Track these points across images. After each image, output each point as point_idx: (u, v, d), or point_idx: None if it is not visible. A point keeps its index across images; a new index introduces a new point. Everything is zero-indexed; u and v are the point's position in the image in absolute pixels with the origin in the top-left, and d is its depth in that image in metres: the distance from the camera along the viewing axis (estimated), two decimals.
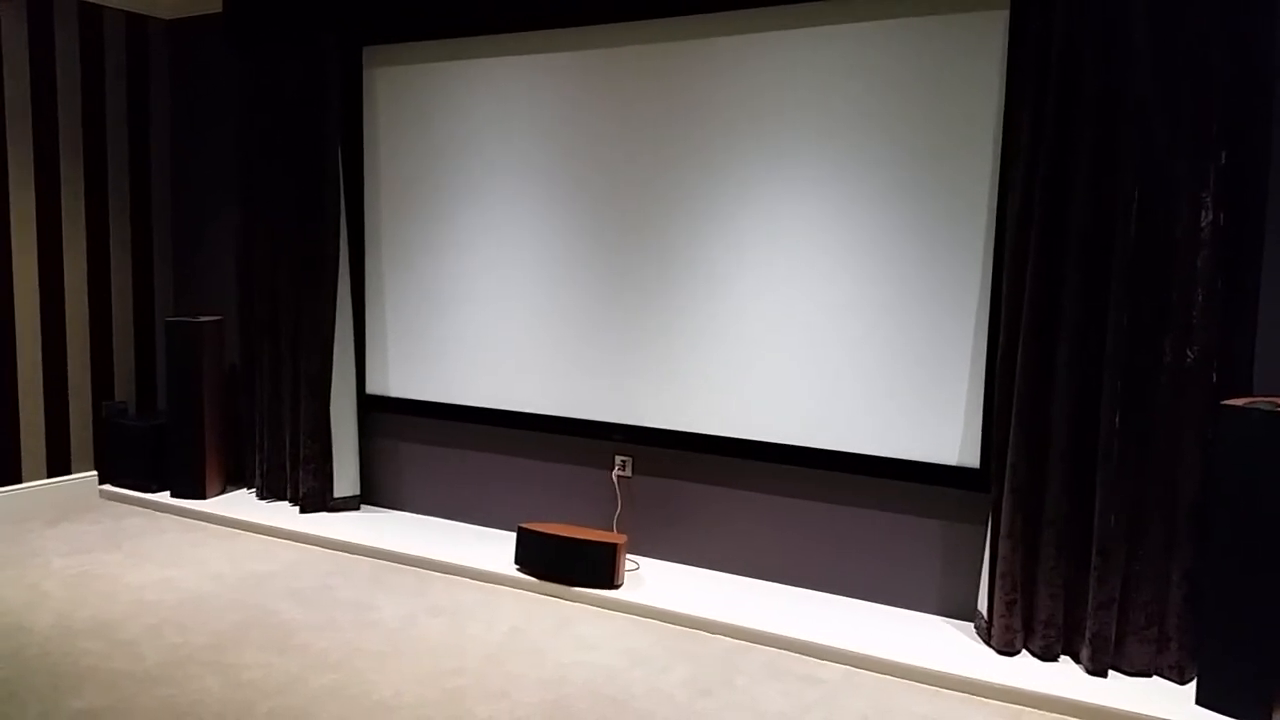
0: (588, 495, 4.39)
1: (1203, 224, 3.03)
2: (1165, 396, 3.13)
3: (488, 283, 4.49)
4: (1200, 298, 3.05)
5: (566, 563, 3.94)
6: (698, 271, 3.99)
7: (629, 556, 4.28)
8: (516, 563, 4.09)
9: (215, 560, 4.26)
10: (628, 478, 4.29)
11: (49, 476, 5.00)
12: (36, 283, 4.87)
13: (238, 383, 5.22)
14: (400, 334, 4.77)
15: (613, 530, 4.30)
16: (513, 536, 4.51)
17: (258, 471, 5.07)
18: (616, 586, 3.91)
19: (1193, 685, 3.10)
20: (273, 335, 4.96)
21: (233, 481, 5.29)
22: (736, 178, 3.89)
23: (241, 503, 4.99)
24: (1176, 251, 3.08)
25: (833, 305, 3.74)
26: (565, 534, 3.97)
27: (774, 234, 3.83)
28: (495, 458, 4.62)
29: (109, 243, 5.21)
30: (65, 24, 4.91)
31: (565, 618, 3.74)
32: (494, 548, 4.36)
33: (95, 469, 5.21)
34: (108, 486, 5.20)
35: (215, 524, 4.80)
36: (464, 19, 4.39)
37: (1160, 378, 3.14)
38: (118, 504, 5.10)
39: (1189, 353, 3.08)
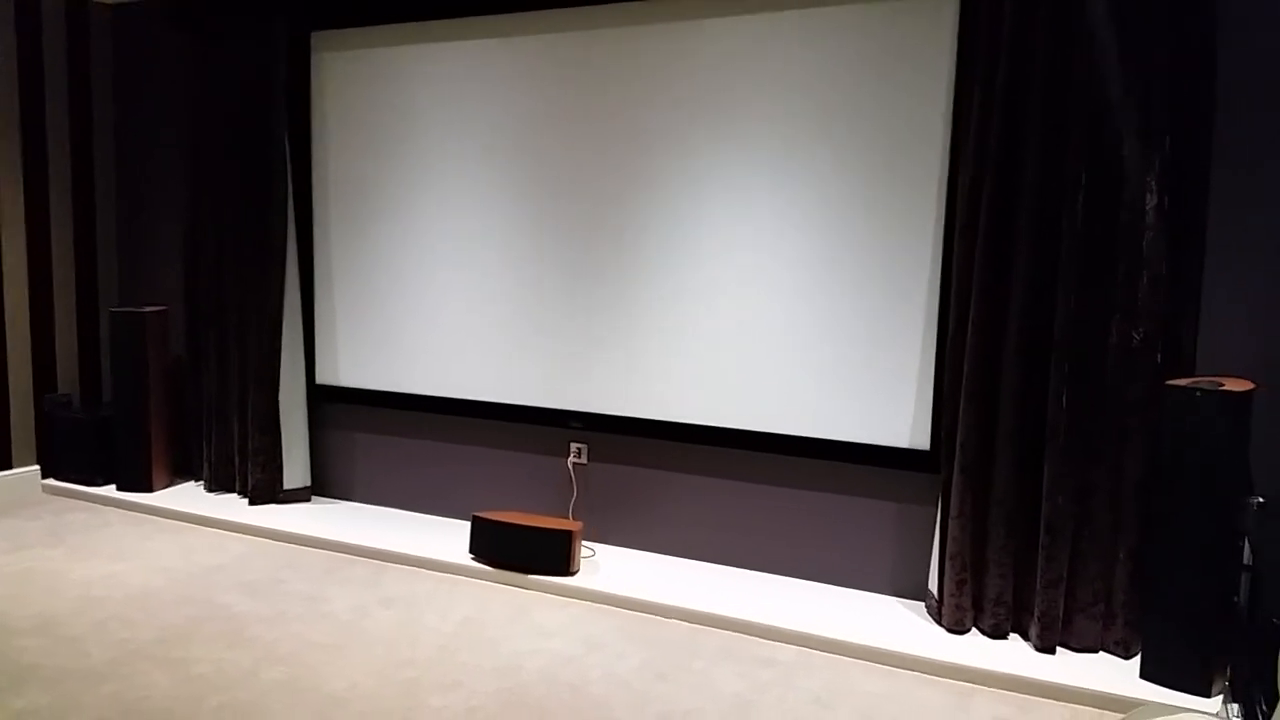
0: (543, 483, 4.37)
1: (1148, 207, 3.08)
2: (1112, 377, 3.18)
3: (440, 270, 4.44)
4: (1146, 280, 3.10)
5: (522, 551, 3.93)
6: (651, 258, 3.98)
7: (585, 543, 4.27)
8: (471, 552, 4.07)
9: (163, 554, 4.19)
10: (583, 465, 4.28)
11: None
12: None
13: (184, 374, 5.12)
14: (351, 323, 4.71)
15: (568, 518, 4.29)
16: (467, 526, 4.48)
17: (206, 464, 4.98)
18: (572, 574, 3.90)
19: (1137, 660, 3.17)
20: (220, 325, 4.88)
21: (180, 474, 5.19)
22: (689, 163, 3.88)
23: (190, 495, 4.91)
24: (1123, 235, 3.13)
25: (784, 290, 3.75)
26: (520, 522, 3.96)
27: (727, 221, 3.83)
28: (449, 447, 4.59)
29: (50, 232, 5.08)
30: (0, 7, 4.77)
31: (521, 606, 3.72)
32: (448, 537, 4.33)
33: (38, 463, 5.09)
34: (51, 481, 5.08)
35: (163, 517, 4.71)
36: (415, 2, 4.33)
37: (1106, 359, 3.19)
38: (61, 498, 4.99)
39: (1134, 334, 3.13)
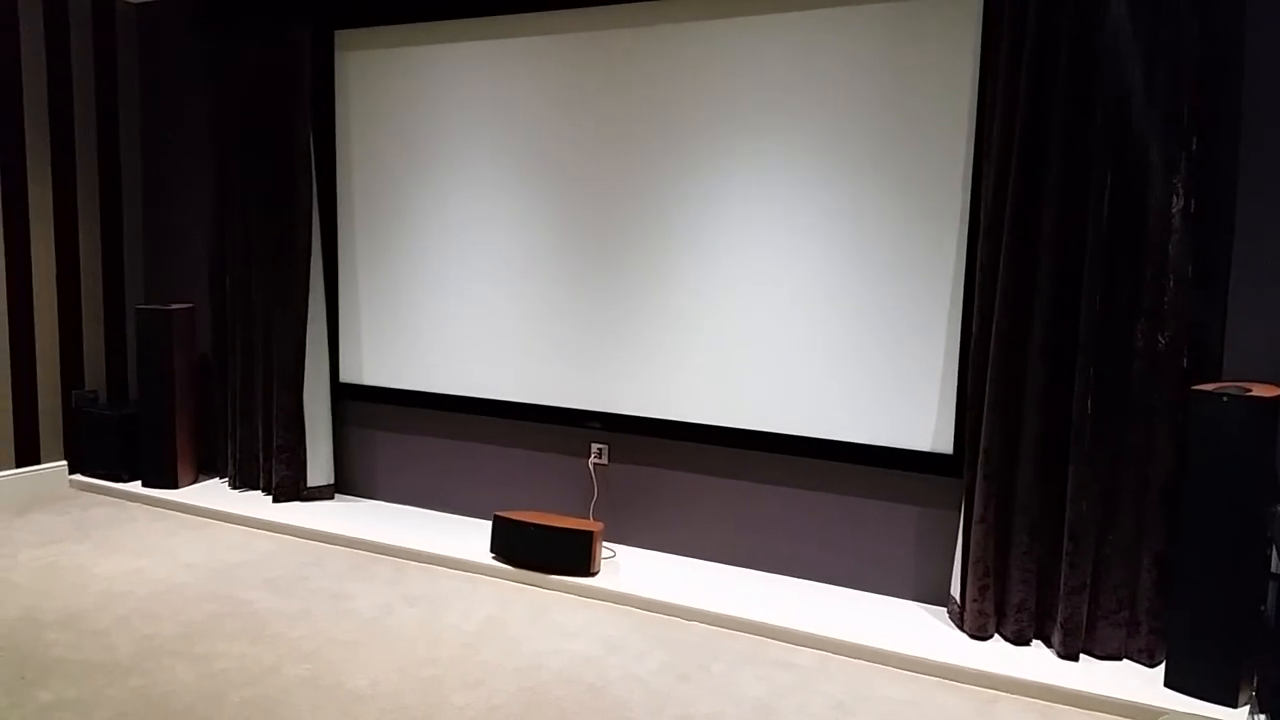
0: (564, 483, 4.38)
1: (1174, 210, 3.05)
2: (1137, 382, 3.15)
3: (463, 269, 4.46)
4: (1171, 283, 3.07)
5: (543, 551, 3.93)
6: (673, 258, 3.98)
7: (605, 544, 4.27)
8: (492, 551, 4.08)
9: (187, 550, 4.22)
10: (604, 465, 4.28)
11: (18, 466, 4.93)
12: (4, 270, 4.79)
13: (210, 371, 5.17)
14: (374, 321, 4.74)
15: (589, 518, 4.29)
16: (488, 525, 4.50)
17: (230, 461, 5.03)
18: (593, 574, 3.91)
19: (1162, 668, 3.14)
20: (245, 323, 4.91)
21: (205, 471, 5.25)
22: (711, 162, 3.88)
23: (214, 492, 4.95)
24: (1148, 237, 3.10)
25: (807, 291, 3.74)
26: (541, 522, 3.96)
27: (749, 221, 3.82)
28: (471, 446, 4.60)
29: (78, 230, 5.14)
30: (29, 6, 4.82)
31: (542, 606, 3.73)
32: (469, 537, 4.35)
33: (65, 459, 5.15)
34: (78, 476, 5.14)
35: (187, 514, 4.75)
36: (438, 1, 4.35)
37: (1132, 363, 3.16)
38: (88, 494, 5.05)
39: (1160, 338, 3.10)
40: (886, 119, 3.57)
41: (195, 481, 5.10)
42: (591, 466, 4.30)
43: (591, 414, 4.21)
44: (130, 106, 5.37)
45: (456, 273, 4.48)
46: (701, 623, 3.61)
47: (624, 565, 4.04)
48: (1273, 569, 2.93)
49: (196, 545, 4.30)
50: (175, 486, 4.95)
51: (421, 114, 4.50)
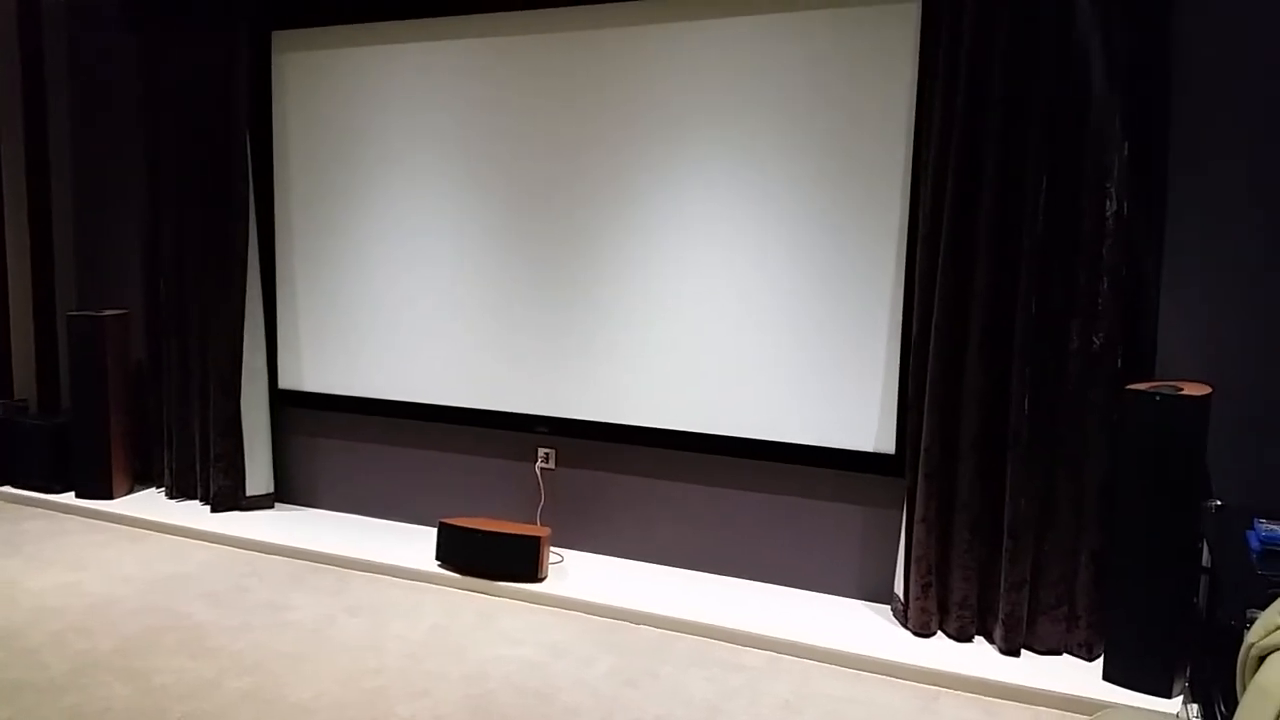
0: (511, 489, 4.36)
1: (1107, 214, 3.12)
2: (1072, 381, 3.22)
3: (404, 274, 4.41)
4: (1105, 285, 3.14)
5: (489, 557, 3.91)
6: (618, 262, 3.98)
7: (553, 549, 4.25)
8: (438, 559, 4.04)
9: (124, 562, 4.12)
10: (551, 470, 4.27)
11: None
12: None
13: (145, 379, 5.05)
14: (314, 327, 4.66)
15: (536, 523, 4.27)
16: (434, 532, 4.45)
17: (167, 470, 4.91)
18: (540, 580, 3.89)
19: (1100, 662, 3.21)
20: (180, 329, 4.81)
21: (141, 481, 5.11)
22: (656, 168, 3.88)
23: (150, 503, 4.84)
24: (1083, 240, 3.17)
25: (751, 295, 3.77)
26: (487, 528, 3.94)
27: (694, 224, 3.84)
28: (415, 452, 4.56)
29: (4, 233, 4.98)
30: None
31: (488, 613, 3.71)
32: (415, 544, 4.30)
33: None
34: (8, 488, 4.98)
35: (123, 525, 4.64)
36: (378, 2, 4.30)
37: (1067, 363, 3.23)
38: (18, 506, 4.90)
39: (1095, 339, 3.17)
40: (828, 126, 3.60)
41: (131, 492, 4.97)
42: (538, 471, 4.28)
43: (538, 418, 4.19)
44: (60, 108, 5.22)
45: (399, 277, 4.43)
46: (649, 626, 3.61)
47: (572, 570, 4.03)
48: (1204, 563, 3.01)
49: (132, 557, 4.19)
50: (110, 497, 4.83)
51: (362, 117, 4.45)
